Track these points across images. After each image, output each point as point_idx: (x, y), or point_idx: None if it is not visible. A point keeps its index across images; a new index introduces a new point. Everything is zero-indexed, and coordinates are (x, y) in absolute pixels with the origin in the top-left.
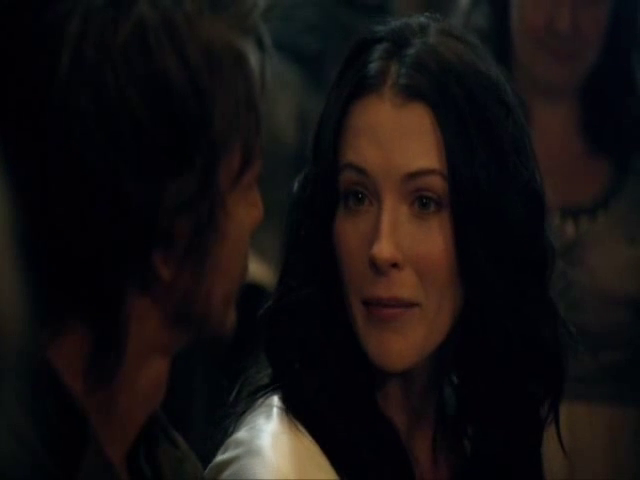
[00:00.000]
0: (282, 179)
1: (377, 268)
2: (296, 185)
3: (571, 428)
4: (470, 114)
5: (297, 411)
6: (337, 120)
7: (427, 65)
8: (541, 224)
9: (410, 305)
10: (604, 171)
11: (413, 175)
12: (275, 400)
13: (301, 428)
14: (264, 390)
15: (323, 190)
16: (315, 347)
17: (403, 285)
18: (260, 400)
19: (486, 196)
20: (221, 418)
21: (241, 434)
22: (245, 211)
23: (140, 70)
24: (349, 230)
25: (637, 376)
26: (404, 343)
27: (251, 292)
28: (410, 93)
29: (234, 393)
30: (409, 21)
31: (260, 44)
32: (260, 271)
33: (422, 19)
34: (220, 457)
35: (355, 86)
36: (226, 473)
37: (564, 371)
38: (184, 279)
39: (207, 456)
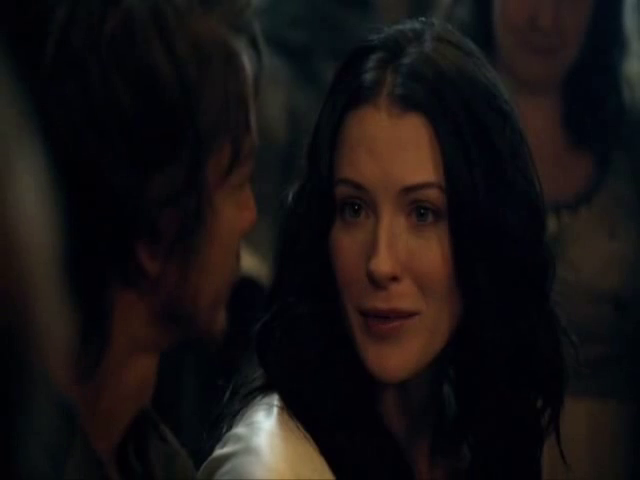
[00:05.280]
0: (273, 173)
1: (376, 282)
2: (290, 196)
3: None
4: (467, 124)
5: (296, 413)
6: (332, 132)
7: (423, 74)
8: (540, 233)
9: (410, 315)
10: (586, 166)
11: (411, 188)
12: (275, 399)
13: (300, 428)
14: (261, 391)
15: (319, 203)
16: (314, 360)
17: (402, 297)
18: (259, 398)
19: (484, 206)
20: (215, 418)
21: (240, 429)
22: (236, 211)
23: (126, 61)
24: (346, 242)
25: (618, 371)
26: (403, 356)
27: (244, 285)
28: (407, 103)
29: (228, 393)
30: (403, 28)
31: (254, 43)
32: (252, 264)
33: (416, 25)
34: (219, 451)
35: (350, 96)
36: (224, 469)
37: (564, 381)
38: (170, 276)
39: (199, 453)
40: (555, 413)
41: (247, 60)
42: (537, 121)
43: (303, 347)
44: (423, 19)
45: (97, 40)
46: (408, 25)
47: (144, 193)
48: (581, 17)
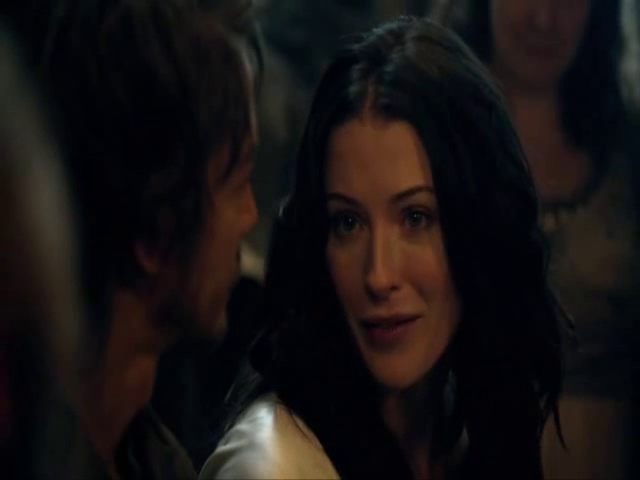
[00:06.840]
0: (273, 173)
1: (375, 296)
2: (281, 210)
3: (548, 419)
4: (453, 122)
5: (297, 411)
6: (319, 147)
7: (406, 81)
8: (532, 220)
9: (412, 319)
10: (583, 166)
11: (401, 195)
12: (275, 396)
13: (302, 425)
14: (262, 389)
15: (311, 218)
16: (315, 368)
17: (403, 302)
18: (261, 395)
19: (475, 203)
20: (217, 416)
21: (243, 426)
22: (235, 213)
23: (124, 59)
24: (342, 256)
25: (617, 369)
26: (409, 362)
27: (243, 285)
28: (391, 113)
29: (230, 392)
30: (383, 33)
31: (254, 43)
32: (252, 264)
33: (395, 26)
34: (222, 447)
35: (335, 110)
36: (227, 464)
37: (562, 365)
38: (169, 276)
39: (199, 453)
40: (553, 397)
41: (247, 60)
42: (535, 121)
43: (304, 355)
44: (402, 17)
45: (95, 39)
46: (387, 27)
47: (142, 192)
48: (579, 17)
